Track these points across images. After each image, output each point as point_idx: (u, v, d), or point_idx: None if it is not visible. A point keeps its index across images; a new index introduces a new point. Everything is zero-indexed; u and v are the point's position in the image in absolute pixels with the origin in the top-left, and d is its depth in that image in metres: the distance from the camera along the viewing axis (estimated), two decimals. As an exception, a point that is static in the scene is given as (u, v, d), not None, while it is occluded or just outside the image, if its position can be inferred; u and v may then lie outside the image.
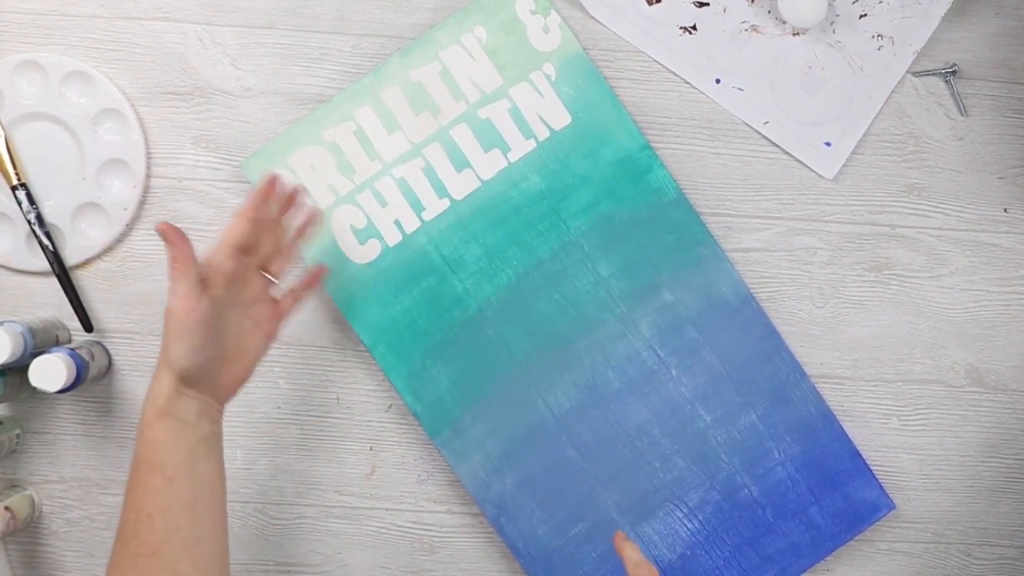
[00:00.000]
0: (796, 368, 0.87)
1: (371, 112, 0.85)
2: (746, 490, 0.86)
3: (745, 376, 0.86)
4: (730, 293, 0.86)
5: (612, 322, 0.86)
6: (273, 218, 0.78)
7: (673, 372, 0.86)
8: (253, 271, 0.77)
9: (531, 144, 0.86)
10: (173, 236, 0.70)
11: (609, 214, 0.86)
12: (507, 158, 0.86)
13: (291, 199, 0.80)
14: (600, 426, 0.86)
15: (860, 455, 0.87)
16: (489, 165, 0.86)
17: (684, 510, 0.86)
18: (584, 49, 0.86)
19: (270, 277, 0.78)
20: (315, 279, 0.82)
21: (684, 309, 0.86)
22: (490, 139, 0.86)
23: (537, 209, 0.86)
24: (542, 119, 0.86)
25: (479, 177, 0.86)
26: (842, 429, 0.87)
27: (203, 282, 0.71)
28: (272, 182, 0.77)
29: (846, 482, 0.87)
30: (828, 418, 0.87)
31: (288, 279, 0.86)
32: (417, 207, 0.85)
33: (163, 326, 0.70)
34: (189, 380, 0.71)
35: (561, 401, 0.86)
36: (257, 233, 0.76)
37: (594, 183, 0.86)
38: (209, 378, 0.72)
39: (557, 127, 0.86)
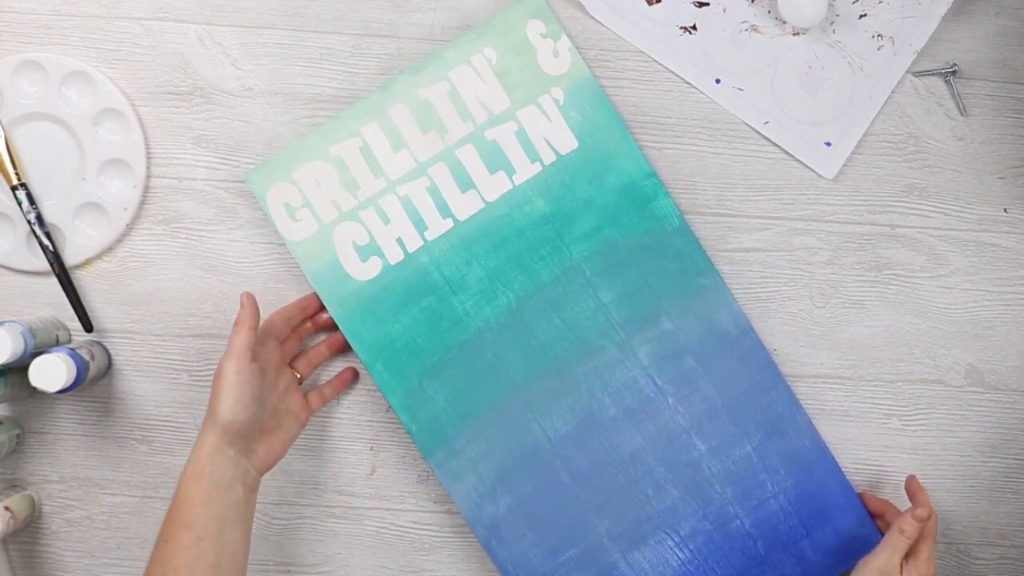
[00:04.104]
0: (792, 401, 0.86)
1: (378, 129, 0.85)
2: (738, 521, 0.86)
3: (741, 407, 0.86)
4: (730, 324, 0.86)
5: (611, 348, 0.86)
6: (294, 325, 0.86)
7: (670, 401, 0.86)
8: (285, 364, 0.84)
9: (537, 167, 0.86)
10: (247, 301, 0.78)
11: (612, 240, 0.86)
12: (512, 180, 0.85)
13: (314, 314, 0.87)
14: (595, 452, 0.86)
15: (853, 490, 0.87)
16: (494, 187, 0.85)
17: (675, 539, 0.86)
18: (593, 74, 0.86)
19: (297, 373, 0.85)
20: (343, 383, 0.87)
21: (683, 338, 0.86)
22: (496, 161, 0.85)
23: (540, 233, 0.86)
24: (549, 143, 0.86)
25: (483, 198, 0.85)
26: (836, 464, 0.87)
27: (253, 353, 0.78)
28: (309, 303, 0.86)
29: (838, 517, 0.86)
30: (822, 452, 0.87)
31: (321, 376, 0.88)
32: (420, 226, 0.85)
33: (212, 385, 0.76)
34: (231, 436, 0.75)
35: (557, 426, 0.85)
36: (283, 330, 0.84)
37: (598, 209, 0.86)
38: (249, 439, 0.77)
39: (563, 151, 0.86)
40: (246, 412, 0.75)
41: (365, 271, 0.85)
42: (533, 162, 0.85)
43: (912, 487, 0.84)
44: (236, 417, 0.75)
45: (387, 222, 0.85)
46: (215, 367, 0.87)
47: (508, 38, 0.85)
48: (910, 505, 0.81)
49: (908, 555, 0.80)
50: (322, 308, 0.86)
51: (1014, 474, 0.90)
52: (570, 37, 0.86)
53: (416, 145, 0.85)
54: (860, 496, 0.87)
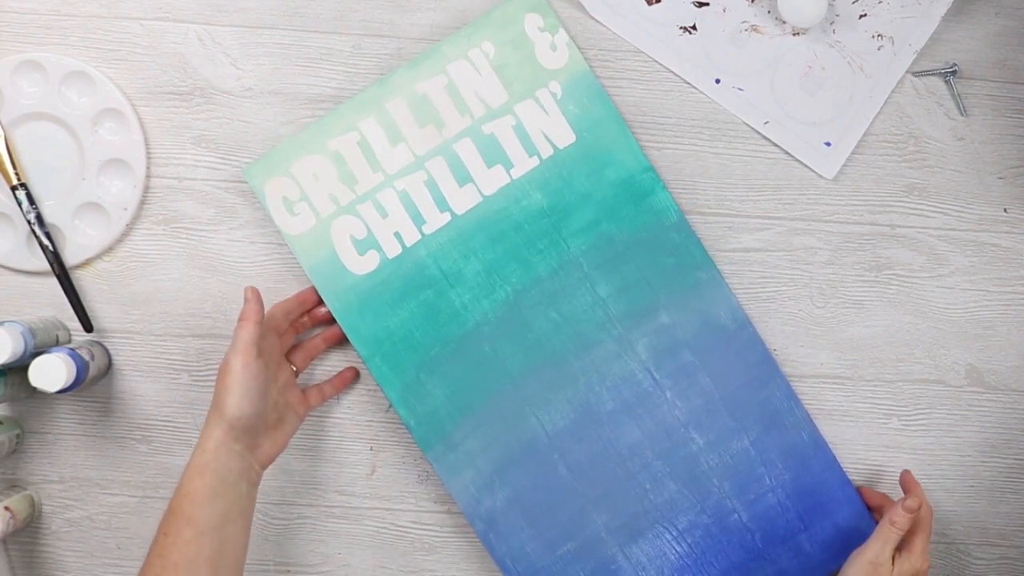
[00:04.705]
0: (790, 395, 0.87)
1: (375, 123, 0.85)
2: (736, 515, 0.86)
3: (739, 401, 0.86)
4: (727, 318, 0.86)
5: (608, 342, 0.86)
6: (292, 318, 0.86)
7: (667, 394, 0.86)
8: (283, 358, 0.84)
9: (534, 161, 0.86)
10: (251, 296, 0.77)
11: (609, 234, 0.86)
12: (510, 174, 0.85)
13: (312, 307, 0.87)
14: (592, 446, 0.86)
15: (851, 484, 0.87)
16: (491, 181, 0.85)
17: (673, 533, 0.86)
18: (591, 68, 0.86)
19: (293, 367, 0.85)
20: (344, 382, 0.87)
21: (681, 332, 0.86)
22: (493, 155, 0.85)
23: (538, 227, 0.86)
24: (546, 137, 0.86)
25: (481, 192, 0.85)
26: (834, 458, 0.87)
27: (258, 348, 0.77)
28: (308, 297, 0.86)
29: (836, 511, 0.87)
30: (820, 446, 0.87)
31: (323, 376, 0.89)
32: (418, 220, 0.85)
33: (217, 380, 0.76)
34: (238, 431, 0.75)
35: (554, 419, 0.86)
36: (283, 322, 0.84)
37: (595, 203, 0.86)
38: (255, 434, 0.77)
39: (561, 145, 0.86)
40: (253, 407, 0.75)
41: (363, 265, 0.85)
42: (531, 156, 0.86)
43: (906, 480, 0.84)
44: (243, 412, 0.75)
45: (385, 216, 0.85)
46: (215, 367, 0.87)
47: (506, 32, 0.85)
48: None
49: (901, 547, 0.80)
50: (320, 302, 0.86)
51: (1014, 474, 0.90)
52: (569, 34, 0.86)
53: (414, 139, 0.85)
54: (858, 490, 0.87)
